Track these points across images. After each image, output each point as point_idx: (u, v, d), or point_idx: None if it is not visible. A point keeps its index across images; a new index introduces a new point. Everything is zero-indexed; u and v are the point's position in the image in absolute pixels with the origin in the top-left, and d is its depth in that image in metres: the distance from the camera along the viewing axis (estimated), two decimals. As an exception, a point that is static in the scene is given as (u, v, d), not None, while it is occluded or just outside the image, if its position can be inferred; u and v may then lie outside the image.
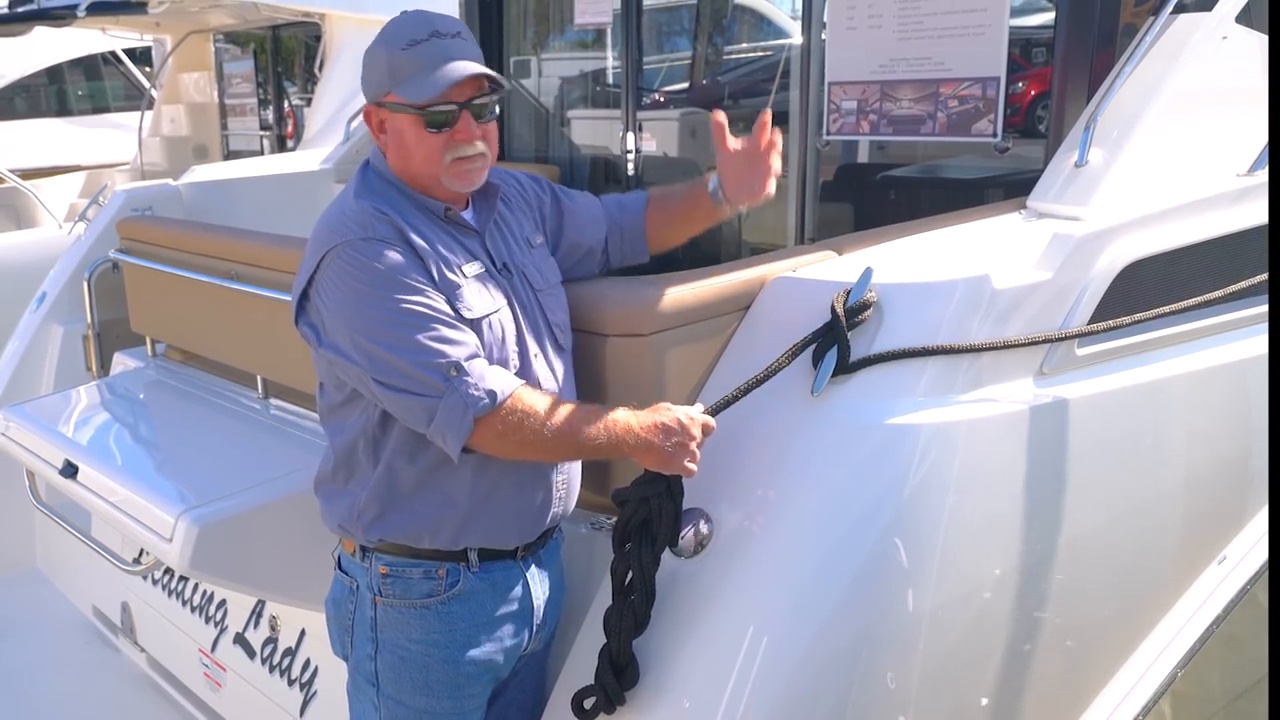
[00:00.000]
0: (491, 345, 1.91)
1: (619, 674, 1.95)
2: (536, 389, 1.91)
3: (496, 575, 2.02)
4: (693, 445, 1.87)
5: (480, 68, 1.91)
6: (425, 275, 1.87)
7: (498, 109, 2.01)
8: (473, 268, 1.95)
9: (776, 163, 2.14)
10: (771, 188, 2.13)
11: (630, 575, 1.95)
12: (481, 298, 1.93)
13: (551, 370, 2.03)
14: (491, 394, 1.81)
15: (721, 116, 2.13)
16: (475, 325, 1.90)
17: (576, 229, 2.27)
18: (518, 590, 2.05)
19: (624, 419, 1.87)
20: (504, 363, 1.94)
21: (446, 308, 1.86)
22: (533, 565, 2.08)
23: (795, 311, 2.15)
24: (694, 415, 1.89)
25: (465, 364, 1.82)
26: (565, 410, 1.87)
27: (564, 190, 2.30)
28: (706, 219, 2.27)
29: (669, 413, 1.88)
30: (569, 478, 2.09)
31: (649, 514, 1.93)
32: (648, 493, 1.92)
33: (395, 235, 1.88)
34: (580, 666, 2.09)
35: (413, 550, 1.99)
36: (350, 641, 2.07)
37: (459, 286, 1.90)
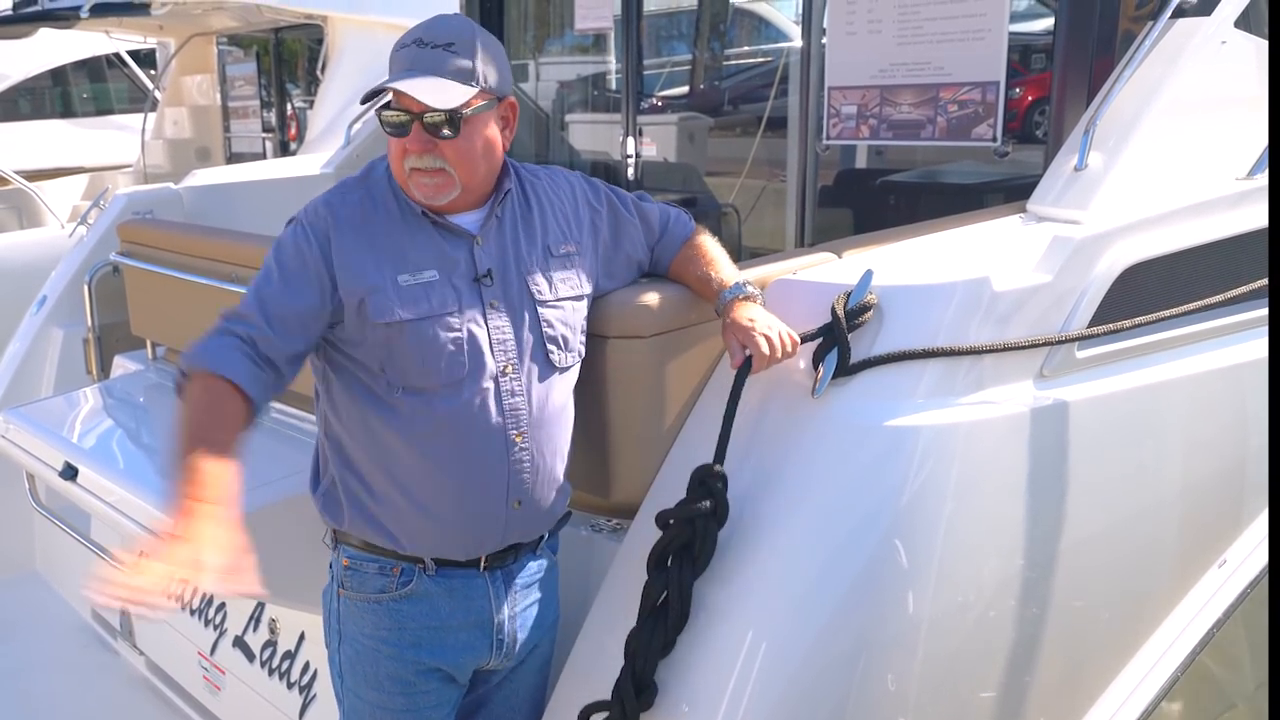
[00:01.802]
0: (425, 349, 1.87)
1: (639, 693, 1.91)
2: (238, 394, 1.79)
3: (455, 582, 2.00)
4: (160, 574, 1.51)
5: (406, 84, 1.81)
6: (325, 262, 1.89)
7: (464, 127, 1.85)
8: (430, 273, 1.91)
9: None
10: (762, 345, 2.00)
11: (664, 595, 1.91)
12: (421, 304, 1.89)
13: (526, 388, 1.95)
14: (189, 358, 1.83)
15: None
16: (402, 328, 1.87)
17: (632, 242, 2.21)
18: (476, 600, 2.02)
19: (184, 498, 1.63)
20: (440, 370, 1.89)
21: (308, 290, 1.88)
22: (500, 579, 2.04)
23: (796, 313, 2.15)
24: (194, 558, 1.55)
25: (229, 322, 1.86)
26: (193, 430, 1.75)
27: (624, 202, 2.21)
28: (706, 301, 2.18)
29: (187, 527, 1.59)
30: (528, 498, 1.99)
31: (693, 535, 1.91)
32: (693, 514, 1.90)
33: (326, 225, 1.92)
34: (578, 672, 2.09)
35: (371, 546, 2.00)
36: (327, 634, 2.11)
37: (392, 287, 1.88)
